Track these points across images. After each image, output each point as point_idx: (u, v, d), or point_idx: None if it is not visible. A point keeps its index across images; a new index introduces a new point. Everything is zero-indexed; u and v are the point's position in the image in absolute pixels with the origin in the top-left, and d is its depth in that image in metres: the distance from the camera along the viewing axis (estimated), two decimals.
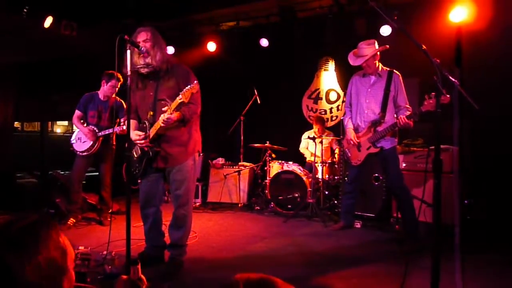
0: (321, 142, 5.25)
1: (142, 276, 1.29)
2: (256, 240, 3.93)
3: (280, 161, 5.60)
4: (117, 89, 4.38)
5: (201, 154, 3.20)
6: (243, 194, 5.81)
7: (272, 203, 5.32)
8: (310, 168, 5.45)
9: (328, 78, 6.62)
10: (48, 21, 5.06)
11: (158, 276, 2.84)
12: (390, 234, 4.18)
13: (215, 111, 6.88)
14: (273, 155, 5.76)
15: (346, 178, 4.58)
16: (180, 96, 2.65)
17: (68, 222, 4.31)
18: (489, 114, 3.67)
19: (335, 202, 5.22)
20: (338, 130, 5.71)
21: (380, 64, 4.01)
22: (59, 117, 9.62)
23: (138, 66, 2.86)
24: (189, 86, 2.67)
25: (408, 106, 3.84)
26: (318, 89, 6.71)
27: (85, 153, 4.35)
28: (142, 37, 2.85)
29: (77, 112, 4.41)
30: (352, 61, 4.02)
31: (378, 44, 3.93)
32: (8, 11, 4.80)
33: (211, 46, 6.42)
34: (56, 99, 7.24)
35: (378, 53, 3.93)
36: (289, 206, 5.19)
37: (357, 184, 4.25)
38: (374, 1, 2.09)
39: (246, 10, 5.87)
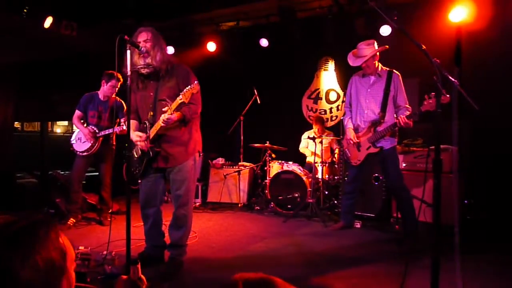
0: (321, 142, 5.25)
1: (142, 276, 1.29)
2: (256, 240, 3.93)
3: (280, 161, 5.60)
4: (117, 89, 4.39)
5: (202, 154, 3.19)
6: (243, 194, 5.81)
7: (272, 203, 5.32)
8: (310, 168, 5.45)
9: (328, 78, 6.62)
10: (48, 21, 5.06)
11: (158, 276, 2.84)
12: (390, 234, 4.18)
13: (215, 111, 6.87)
14: (273, 155, 5.76)
15: (346, 178, 4.58)
16: (181, 96, 2.66)
17: (68, 222, 4.31)
18: (489, 114, 3.67)
19: (335, 202, 5.22)
20: (338, 130, 5.72)
21: (380, 64, 4.01)
22: (59, 117, 9.62)
23: (139, 66, 2.86)
24: (189, 87, 2.67)
25: (408, 106, 3.85)
26: (318, 89, 6.71)
27: (85, 153, 4.35)
28: (143, 37, 2.86)
29: (77, 112, 4.42)
30: (352, 61, 4.02)
31: (377, 45, 3.93)
32: (8, 11, 4.80)
33: (211, 46, 6.42)
34: (56, 99, 7.24)
35: (378, 53, 3.93)
36: (289, 206, 5.19)
37: (357, 184, 4.25)
38: (373, 1, 2.10)
39: (246, 10, 5.87)
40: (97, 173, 4.65)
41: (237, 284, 0.80)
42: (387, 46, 3.93)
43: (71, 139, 4.48)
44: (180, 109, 2.79)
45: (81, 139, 4.40)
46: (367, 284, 2.80)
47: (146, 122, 2.97)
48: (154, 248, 3.13)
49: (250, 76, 6.55)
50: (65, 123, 11.03)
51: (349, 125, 4.13)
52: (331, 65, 6.58)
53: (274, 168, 5.56)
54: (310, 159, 5.80)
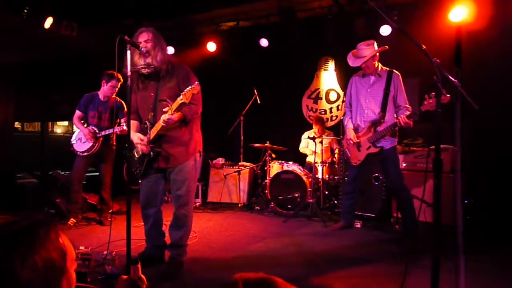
0: (321, 142, 5.25)
1: (143, 276, 1.29)
2: (256, 240, 3.93)
3: (280, 161, 5.60)
4: (117, 89, 4.39)
5: (202, 154, 3.19)
6: (243, 194, 5.81)
7: (272, 203, 5.33)
8: (310, 168, 5.45)
9: (328, 78, 6.62)
10: (48, 22, 5.07)
11: (159, 276, 2.84)
12: (390, 234, 4.18)
13: (215, 111, 6.88)
14: (273, 155, 5.77)
15: (346, 178, 4.58)
16: (181, 96, 2.66)
17: (69, 222, 4.31)
18: (489, 114, 3.67)
19: (335, 202, 5.22)
20: (338, 130, 5.72)
21: (380, 64, 4.01)
22: (59, 118, 9.63)
23: (139, 67, 2.87)
24: (190, 87, 2.67)
25: (408, 106, 3.85)
26: (318, 89, 6.71)
27: (85, 153, 4.35)
28: (144, 38, 2.87)
29: (78, 113, 4.42)
30: (351, 62, 4.02)
31: (377, 45, 3.93)
32: (9, 11, 4.80)
33: (211, 46, 6.42)
34: (56, 100, 7.25)
35: (377, 53, 3.93)
36: (289, 206, 5.19)
37: (357, 184, 4.25)
38: (373, 1, 2.10)
39: (246, 10, 5.87)
40: (97, 173, 4.66)
41: (237, 284, 0.80)
42: (386, 47, 3.93)
43: (71, 139, 4.48)
44: (180, 110, 2.79)
45: (81, 139, 4.40)
46: (367, 284, 2.80)
47: (147, 122, 2.97)
48: (155, 248, 3.13)
49: (250, 76, 6.55)
50: (66, 123, 11.03)
51: (349, 125, 4.13)
52: (331, 65, 6.58)
53: (274, 168, 5.56)
54: (310, 159, 5.80)
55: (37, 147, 7.46)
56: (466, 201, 4.30)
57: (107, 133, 4.33)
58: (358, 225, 4.42)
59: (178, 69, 2.98)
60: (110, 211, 4.56)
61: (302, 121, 6.65)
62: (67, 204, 4.57)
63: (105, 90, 4.37)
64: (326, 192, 5.34)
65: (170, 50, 6.18)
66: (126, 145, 2.80)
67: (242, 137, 6.15)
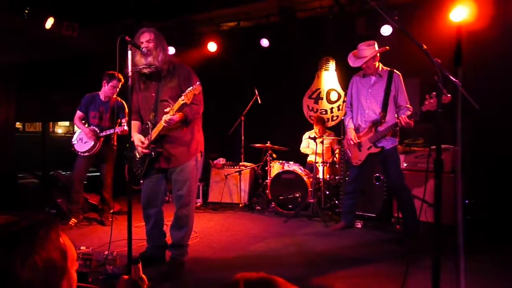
0: (322, 142, 5.25)
1: (143, 276, 1.29)
2: (257, 240, 3.93)
3: (281, 161, 5.60)
4: (118, 89, 4.40)
5: (203, 154, 3.20)
6: (244, 194, 5.81)
7: (273, 203, 5.33)
8: (311, 168, 5.45)
9: (328, 78, 6.62)
10: (49, 22, 5.07)
11: (160, 276, 2.84)
12: (391, 234, 4.18)
13: (216, 111, 6.87)
14: (274, 155, 5.76)
15: (347, 178, 4.58)
16: (183, 97, 2.66)
17: (70, 222, 4.32)
18: (489, 114, 3.67)
19: (336, 202, 5.22)
20: (339, 130, 5.71)
21: (380, 64, 4.00)
22: (60, 118, 9.63)
23: (141, 66, 2.87)
24: (191, 87, 2.68)
25: (409, 106, 3.85)
26: (319, 89, 6.71)
27: (86, 154, 4.36)
28: (146, 38, 2.87)
29: (78, 113, 4.43)
30: (352, 62, 4.02)
31: (378, 45, 3.93)
32: (10, 11, 4.81)
33: (212, 46, 6.42)
34: (57, 100, 7.26)
35: (378, 54, 3.93)
36: (290, 206, 5.19)
37: (358, 184, 4.25)
38: (374, 1, 2.10)
39: (246, 10, 5.87)
40: (98, 174, 4.66)
41: (239, 284, 0.80)
42: (387, 47, 3.93)
43: (72, 140, 4.48)
44: (182, 110, 2.79)
45: (82, 140, 4.41)
46: (368, 284, 2.81)
47: (149, 122, 2.97)
48: (156, 248, 3.14)
49: (251, 76, 6.55)
50: (67, 123, 11.03)
51: (350, 125, 4.13)
52: (331, 65, 6.58)
53: (275, 168, 5.56)
54: (311, 159, 5.80)
55: (38, 147, 7.47)
56: (466, 201, 4.30)
57: (108, 133, 4.33)
58: (359, 225, 4.42)
59: (180, 69, 2.98)
60: (111, 211, 4.56)
61: (303, 121, 6.65)
62: (68, 204, 4.58)
63: (106, 90, 4.38)
64: (327, 192, 5.34)
65: (171, 50, 6.19)
66: (127, 145, 2.80)
67: (243, 137, 6.15)
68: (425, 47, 1.90)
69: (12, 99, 6.41)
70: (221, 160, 6.09)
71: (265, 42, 6.11)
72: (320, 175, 5.28)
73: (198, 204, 5.67)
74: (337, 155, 5.54)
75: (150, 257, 3.05)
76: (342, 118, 5.06)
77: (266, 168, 5.67)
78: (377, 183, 4.71)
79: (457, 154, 4.14)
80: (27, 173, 6.37)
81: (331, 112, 6.59)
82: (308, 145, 5.89)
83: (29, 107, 7.29)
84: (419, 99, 4.53)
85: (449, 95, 2.78)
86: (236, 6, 5.69)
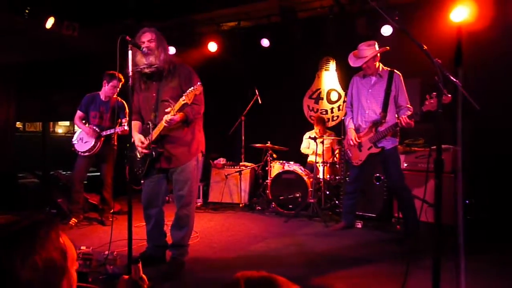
0: (322, 142, 5.25)
1: (144, 276, 1.30)
2: (257, 240, 3.93)
3: (281, 161, 5.60)
4: (118, 89, 4.40)
5: (204, 154, 3.20)
6: (244, 194, 5.81)
7: (273, 203, 5.33)
8: (311, 168, 5.45)
9: (329, 78, 6.62)
10: (49, 22, 5.07)
11: (160, 276, 2.84)
12: (391, 234, 4.18)
13: (216, 111, 6.87)
14: (274, 155, 5.76)
15: (347, 178, 4.58)
16: (184, 97, 2.66)
17: (70, 222, 4.32)
18: (490, 114, 3.67)
19: (336, 202, 5.22)
20: (339, 130, 5.71)
21: (381, 64, 4.00)
22: (60, 118, 9.63)
23: (142, 66, 2.87)
24: (192, 88, 2.68)
25: (409, 106, 3.85)
26: (319, 89, 6.71)
27: (86, 153, 4.36)
28: (147, 37, 2.88)
29: (79, 113, 4.43)
30: (352, 62, 4.02)
31: (378, 45, 3.93)
32: (10, 11, 4.81)
33: (212, 46, 6.42)
34: (57, 100, 7.26)
35: (378, 54, 3.93)
36: (290, 206, 5.19)
37: (358, 184, 4.25)
38: (375, 1, 2.10)
39: (247, 10, 5.87)
40: (99, 173, 4.66)
41: (239, 283, 0.80)
42: (387, 47, 3.93)
43: (73, 139, 4.48)
44: (183, 110, 2.79)
45: (82, 139, 4.41)
46: (368, 284, 2.81)
47: (149, 122, 2.97)
48: (156, 248, 3.14)
49: (251, 76, 6.55)
50: (67, 123, 11.03)
51: (350, 125, 4.12)
52: (332, 65, 6.58)
53: (275, 168, 5.56)
54: (311, 159, 5.80)
55: (38, 147, 7.47)
56: (467, 201, 4.30)
57: (108, 133, 4.34)
58: (359, 225, 4.42)
59: (180, 69, 2.99)
60: (112, 211, 4.56)
61: (303, 121, 6.65)
62: (68, 204, 4.58)
63: (106, 90, 4.38)
64: (327, 192, 5.34)
65: (172, 50, 6.19)
66: (128, 145, 2.80)
67: (243, 137, 6.15)
68: (425, 47, 1.90)
69: (12, 99, 6.41)
70: (222, 160, 6.09)
71: (265, 42, 6.11)
72: (321, 175, 5.28)
73: (199, 204, 5.67)
74: (337, 155, 5.54)
75: (150, 257, 3.05)
76: (343, 118, 5.06)
77: (267, 168, 5.67)
78: (378, 183, 4.71)
79: (458, 154, 4.14)
80: (28, 173, 6.38)
81: (332, 112, 6.59)
82: (309, 145, 5.88)
83: (29, 107, 7.29)
84: (419, 99, 4.52)
85: (449, 95, 2.78)
86: (237, 6, 5.69)
